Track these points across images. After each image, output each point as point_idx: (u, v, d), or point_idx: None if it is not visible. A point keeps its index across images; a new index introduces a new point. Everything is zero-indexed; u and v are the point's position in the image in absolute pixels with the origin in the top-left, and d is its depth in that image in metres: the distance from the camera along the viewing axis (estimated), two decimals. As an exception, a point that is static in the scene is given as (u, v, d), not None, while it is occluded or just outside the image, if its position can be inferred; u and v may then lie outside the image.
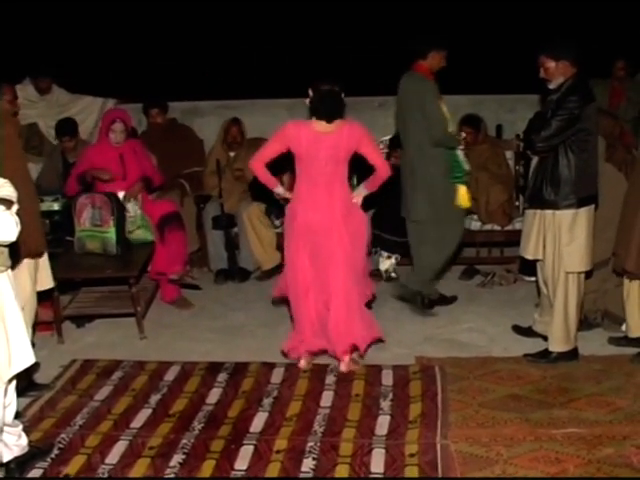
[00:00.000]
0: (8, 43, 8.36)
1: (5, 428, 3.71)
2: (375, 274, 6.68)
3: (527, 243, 5.00)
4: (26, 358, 3.67)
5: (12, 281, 3.64)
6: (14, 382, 3.74)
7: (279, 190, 5.11)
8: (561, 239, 4.80)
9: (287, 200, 5.07)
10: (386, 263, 6.72)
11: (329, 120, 4.77)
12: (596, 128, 4.83)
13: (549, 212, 4.81)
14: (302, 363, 5.06)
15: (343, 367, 4.99)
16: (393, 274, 6.72)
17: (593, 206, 4.83)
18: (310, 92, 4.82)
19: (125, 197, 5.95)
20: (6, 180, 3.62)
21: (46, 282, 4.90)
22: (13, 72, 6.70)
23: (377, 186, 5.07)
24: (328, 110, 4.76)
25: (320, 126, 4.79)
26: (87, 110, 7.50)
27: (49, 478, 3.74)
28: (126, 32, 10.45)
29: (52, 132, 7.14)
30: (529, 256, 5.04)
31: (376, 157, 4.96)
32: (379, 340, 5.21)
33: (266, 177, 5.03)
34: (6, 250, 3.54)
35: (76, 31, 10.19)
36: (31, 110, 7.24)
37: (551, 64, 4.72)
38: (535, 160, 4.91)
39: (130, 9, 10.46)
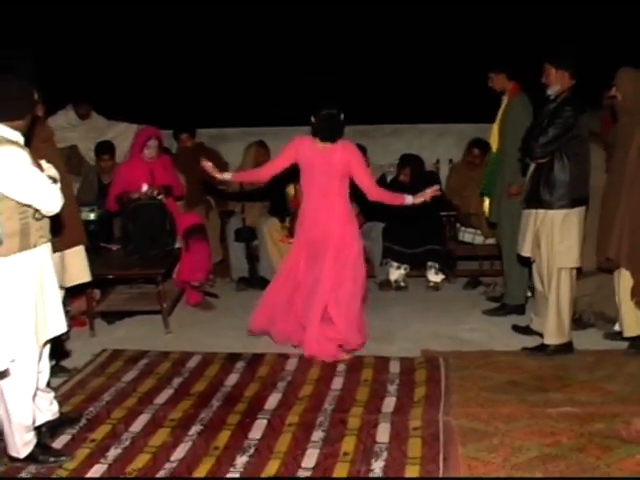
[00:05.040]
0: (53, 71, 8.56)
1: (38, 393, 3.74)
2: (385, 284, 6.73)
3: (523, 242, 5.03)
4: (60, 325, 3.72)
5: (51, 253, 3.71)
6: (47, 349, 3.79)
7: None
8: (554, 237, 4.82)
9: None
10: (395, 273, 6.73)
11: (328, 140, 4.98)
12: (587, 136, 4.90)
13: (544, 212, 4.84)
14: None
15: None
16: (402, 284, 6.74)
17: (584, 207, 4.87)
18: (312, 118, 5.02)
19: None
20: (50, 165, 3.73)
21: (84, 275, 5.02)
22: (57, 98, 6.87)
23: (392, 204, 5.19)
24: (326, 132, 4.98)
25: (320, 143, 4.99)
26: (123, 135, 7.57)
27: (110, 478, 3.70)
28: (160, 65, 10.71)
29: (90, 154, 7.26)
30: (525, 253, 5.05)
31: (362, 178, 5.04)
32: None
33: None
34: (48, 222, 3.63)
35: (115, 63, 10.47)
36: (72, 133, 7.38)
37: (551, 71, 4.82)
38: (532, 167, 4.96)
39: (164, 45, 10.74)
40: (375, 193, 5.09)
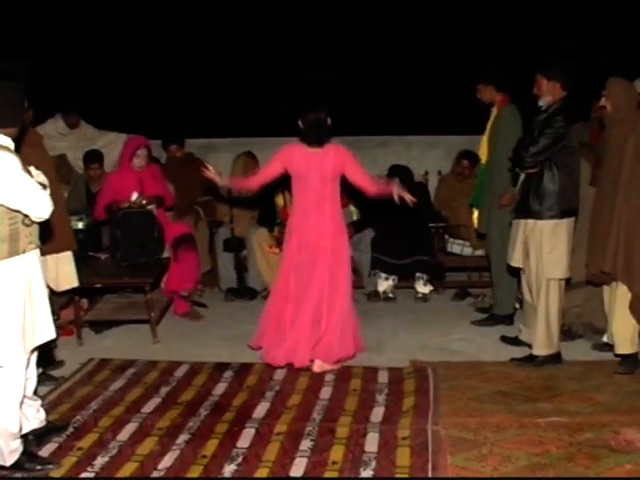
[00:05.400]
0: (42, 80, 8.56)
1: (25, 400, 3.72)
2: (374, 295, 6.72)
3: (513, 251, 5.04)
4: (48, 332, 3.70)
5: (40, 259, 3.70)
6: (35, 356, 3.77)
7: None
8: (543, 247, 4.83)
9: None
10: (384, 284, 6.73)
11: (316, 145, 4.99)
12: (577, 147, 4.93)
13: (533, 222, 4.86)
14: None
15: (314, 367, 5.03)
16: (390, 294, 6.73)
17: (574, 218, 4.89)
18: (300, 123, 5.04)
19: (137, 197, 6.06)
20: (39, 172, 3.72)
21: (73, 280, 5.05)
22: (46, 107, 6.87)
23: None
24: (314, 138, 4.99)
25: (310, 148, 5.00)
26: (112, 145, 7.57)
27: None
28: (149, 75, 10.77)
29: (79, 163, 7.25)
30: (515, 264, 5.07)
31: (360, 177, 5.05)
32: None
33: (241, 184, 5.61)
34: (37, 228, 3.62)
35: (104, 73, 10.53)
36: (61, 142, 7.36)
37: (543, 82, 4.85)
38: (522, 177, 4.98)
39: (154, 56, 10.80)
40: (374, 188, 5.09)
